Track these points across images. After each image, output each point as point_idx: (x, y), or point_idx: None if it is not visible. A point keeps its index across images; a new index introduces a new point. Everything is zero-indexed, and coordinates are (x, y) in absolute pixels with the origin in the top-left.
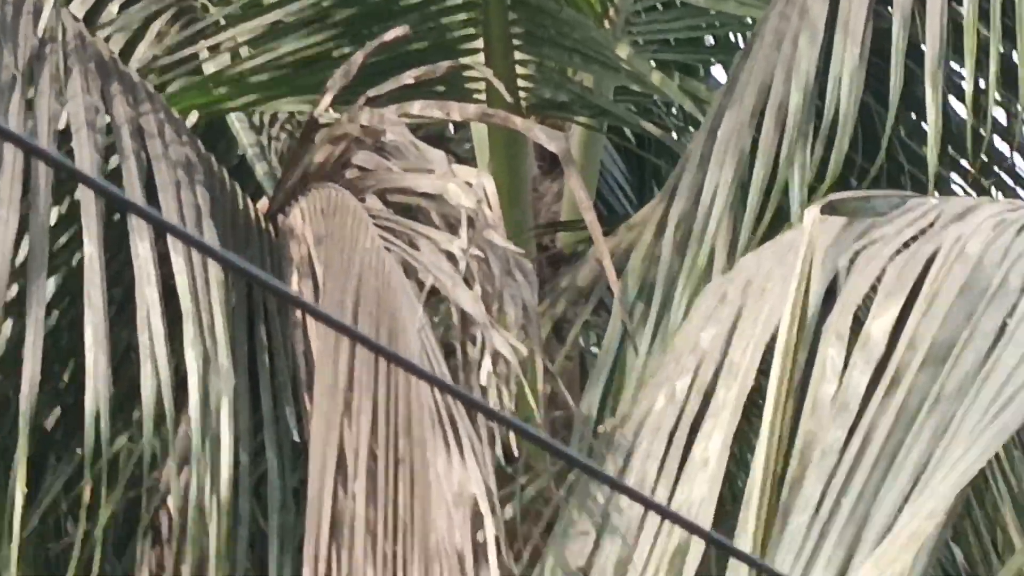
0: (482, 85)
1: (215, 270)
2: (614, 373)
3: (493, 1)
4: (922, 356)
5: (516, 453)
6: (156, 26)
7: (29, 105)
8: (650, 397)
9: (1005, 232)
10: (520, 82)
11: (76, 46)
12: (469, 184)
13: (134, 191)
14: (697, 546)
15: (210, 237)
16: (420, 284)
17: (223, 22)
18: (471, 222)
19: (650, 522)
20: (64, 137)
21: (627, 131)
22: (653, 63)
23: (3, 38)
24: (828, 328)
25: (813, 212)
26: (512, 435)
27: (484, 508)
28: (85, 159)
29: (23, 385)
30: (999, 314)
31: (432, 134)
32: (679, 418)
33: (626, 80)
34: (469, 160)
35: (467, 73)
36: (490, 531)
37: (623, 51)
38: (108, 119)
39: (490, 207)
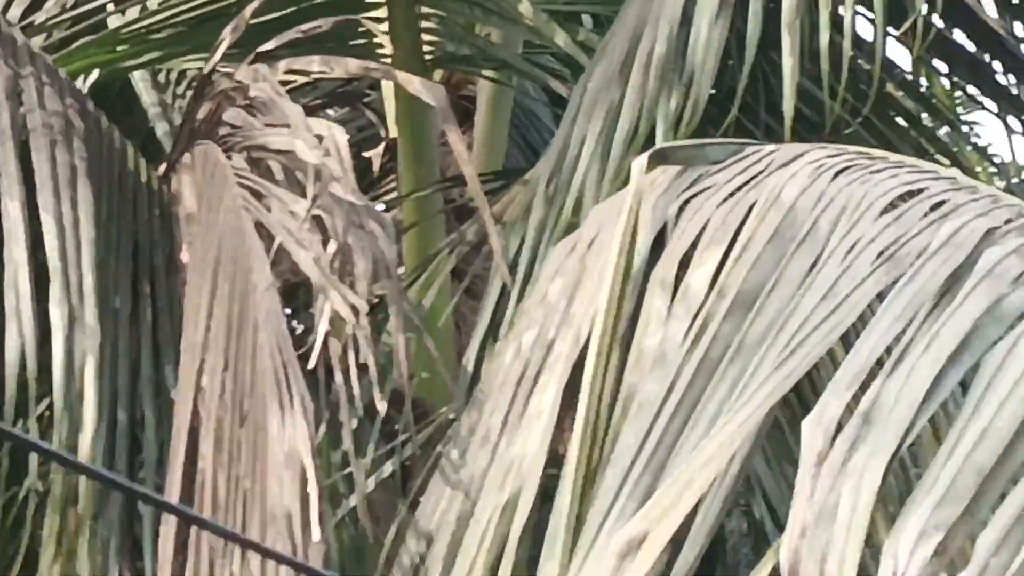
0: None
1: (87, 229)
2: (492, 328)
3: None
4: (728, 304)
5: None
6: None
7: None
8: (503, 351)
9: (821, 177)
10: (426, 36)
11: None
12: (320, 138)
13: (6, 152)
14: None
15: (84, 196)
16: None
17: None
18: (318, 175)
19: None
20: None
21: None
22: (553, 14)
23: None
24: (654, 278)
25: (640, 161)
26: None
27: (308, 466)
28: None
29: None
30: (806, 260)
31: (352, 92)
32: (523, 372)
33: (527, 34)
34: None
35: (373, 27)
36: (313, 492)
37: (524, 5)
38: None
39: (341, 161)
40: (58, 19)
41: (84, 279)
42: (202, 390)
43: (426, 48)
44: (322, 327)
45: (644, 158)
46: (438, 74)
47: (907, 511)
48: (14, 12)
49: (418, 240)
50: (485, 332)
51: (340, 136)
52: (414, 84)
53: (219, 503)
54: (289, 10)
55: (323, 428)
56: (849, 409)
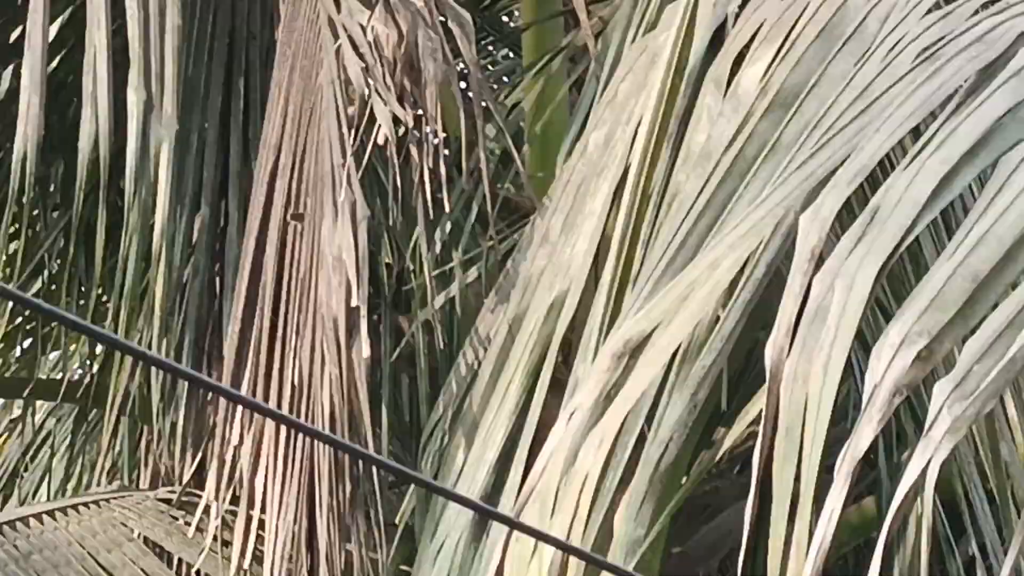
0: None
1: (172, 15)
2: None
3: None
4: (768, 102)
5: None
6: None
7: None
8: (575, 152)
9: None
10: None
11: None
12: None
13: None
14: None
15: None
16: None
17: None
18: None
19: None
20: None
21: None
22: None
23: None
24: (708, 76)
25: None
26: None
27: (352, 274)
28: None
29: None
30: (851, 59)
31: None
32: (586, 173)
33: None
34: None
35: None
36: (355, 299)
37: None
38: None
39: None
40: None
41: (165, 66)
42: (273, 189)
43: None
44: (383, 131)
45: None
46: None
47: (897, 315)
48: None
49: (535, 39)
50: (576, 135)
51: None
52: None
53: (279, 308)
54: None
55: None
56: (851, 206)
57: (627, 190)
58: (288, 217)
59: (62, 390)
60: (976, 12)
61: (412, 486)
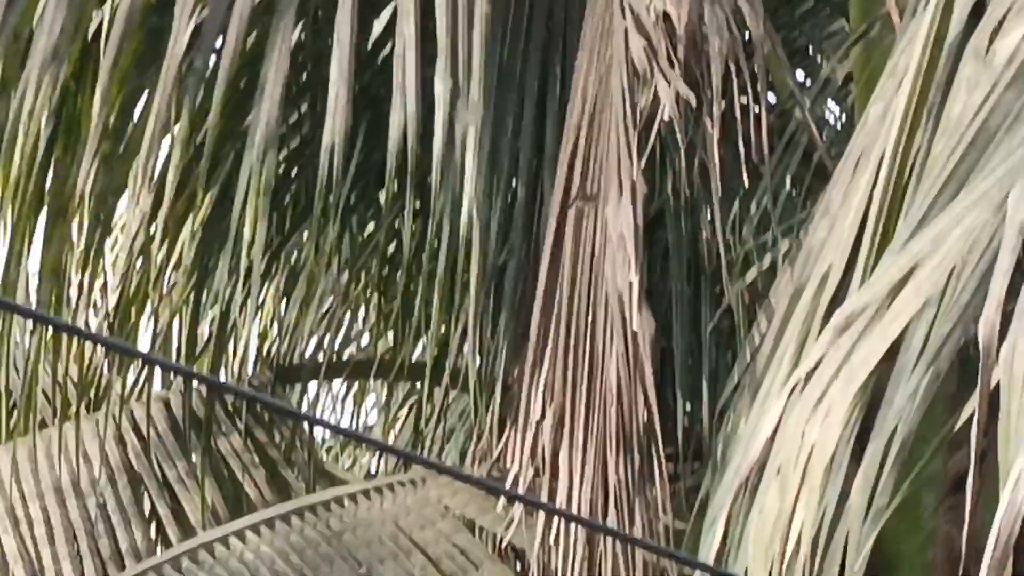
0: None
1: (481, 3)
2: None
3: None
4: (1012, 74)
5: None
6: None
7: None
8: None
9: None
10: None
11: None
12: None
13: None
14: None
15: None
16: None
17: None
18: None
19: None
20: None
21: None
22: None
23: None
24: (969, 46)
25: None
26: None
27: (630, 252)
28: None
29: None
30: None
31: None
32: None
33: None
34: None
35: None
36: (633, 277)
37: None
38: None
39: None
40: None
41: (473, 54)
42: (573, 170)
43: None
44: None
45: None
46: None
47: None
48: None
49: (861, 7)
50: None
51: None
52: None
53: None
54: None
55: None
56: None
57: (885, 162)
58: (579, 199)
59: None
60: None
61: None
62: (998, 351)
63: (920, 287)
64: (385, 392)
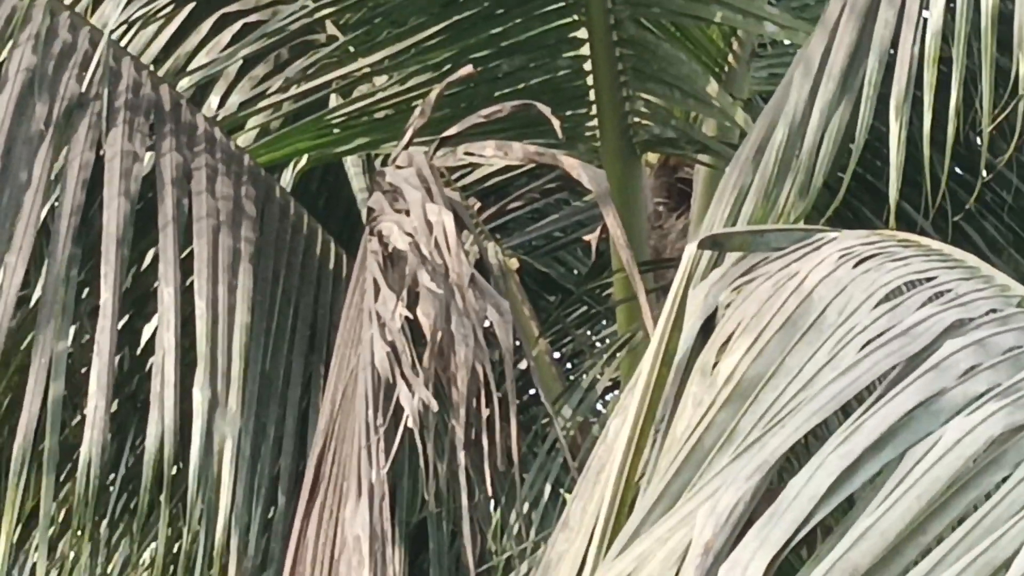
0: (595, 123)
1: (242, 314)
2: None
3: (599, 41)
4: (729, 393)
5: None
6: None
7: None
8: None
9: (843, 265)
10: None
11: (127, 98)
12: (429, 222)
13: (166, 238)
14: None
15: (244, 281)
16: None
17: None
18: (407, 261)
19: None
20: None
21: None
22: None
23: (39, 92)
24: (696, 365)
25: (691, 248)
26: None
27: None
28: (113, 206)
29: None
30: (808, 350)
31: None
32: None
33: (718, 116)
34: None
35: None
36: None
37: (712, 88)
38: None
39: (448, 247)
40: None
41: (233, 364)
42: (319, 474)
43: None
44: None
45: (694, 245)
46: (655, 157)
47: None
48: (233, 99)
49: (626, 315)
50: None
51: (448, 222)
52: (577, 169)
53: None
54: (493, 95)
55: None
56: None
57: (612, 479)
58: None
59: None
60: (924, 303)
61: None
62: None
63: None
64: None
